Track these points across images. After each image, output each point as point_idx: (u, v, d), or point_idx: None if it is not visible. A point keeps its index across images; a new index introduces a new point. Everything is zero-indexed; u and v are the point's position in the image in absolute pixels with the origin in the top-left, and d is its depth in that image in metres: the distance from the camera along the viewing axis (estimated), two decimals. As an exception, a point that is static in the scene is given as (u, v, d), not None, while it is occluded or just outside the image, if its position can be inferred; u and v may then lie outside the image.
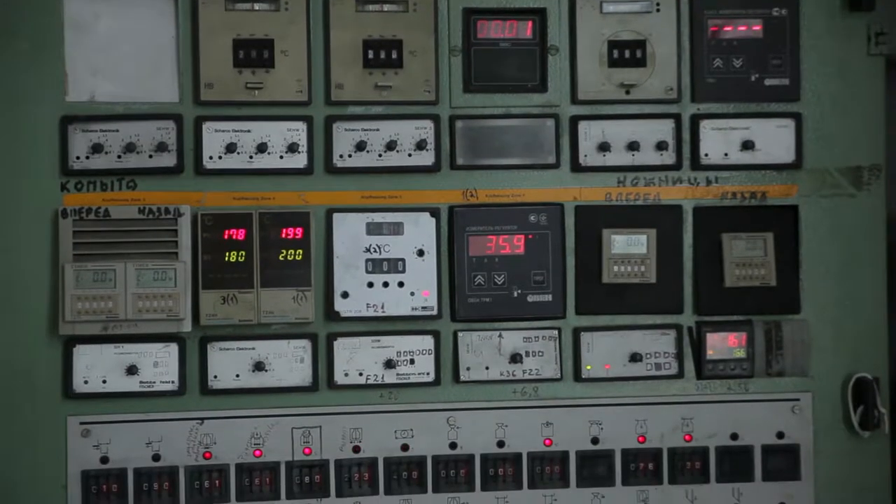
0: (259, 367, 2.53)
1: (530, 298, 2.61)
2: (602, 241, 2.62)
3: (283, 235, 2.53)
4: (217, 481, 2.53)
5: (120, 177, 2.51)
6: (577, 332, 2.62)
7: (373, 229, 2.58)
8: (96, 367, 2.49)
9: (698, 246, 2.64)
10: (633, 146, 2.62)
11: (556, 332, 2.62)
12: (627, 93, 2.63)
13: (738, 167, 2.65)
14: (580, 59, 2.61)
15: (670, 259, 2.63)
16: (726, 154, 2.64)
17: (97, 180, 2.51)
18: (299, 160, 2.55)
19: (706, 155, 2.64)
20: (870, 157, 2.67)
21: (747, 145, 2.63)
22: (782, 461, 2.65)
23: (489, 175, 2.61)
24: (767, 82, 2.64)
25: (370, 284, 2.57)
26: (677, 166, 2.64)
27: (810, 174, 2.66)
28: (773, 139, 2.65)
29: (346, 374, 2.56)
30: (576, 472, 2.62)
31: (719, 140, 2.64)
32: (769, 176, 2.66)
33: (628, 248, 2.62)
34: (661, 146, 2.63)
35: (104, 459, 2.50)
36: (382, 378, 2.57)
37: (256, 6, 2.53)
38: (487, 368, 2.60)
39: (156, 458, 2.51)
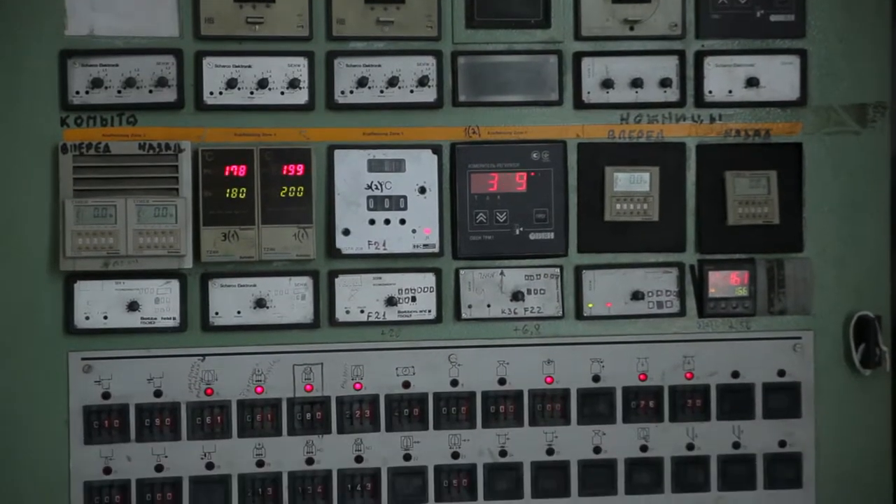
0: (260, 303, 2.53)
1: (532, 236, 2.60)
2: (604, 179, 2.60)
3: (285, 172, 2.52)
4: (219, 417, 2.54)
5: (120, 112, 2.50)
6: (578, 270, 2.62)
7: (374, 166, 2.56)
8: (97, 304, 2.49)
9: (701, 184, 2.63)
10: (636, 83, 2.60)
11: (557, 270, 2.61)
12: (631, 29, 2.60)
13: (742, 104, 2.63)
14: (584, -5, 2.60)
15: (673, 197, 2.62)
16: (730, 91, 2.62)
17: (97, 115, 2.49)
18: (300, 96, 2.53)
19: (710, 92, 2.62)
20: (875, 95, 2.65)
21: (752, 82, 2.61)
22: (783, 399, 2.65)
23: (491, 112, 2.59)
24: (773, 18, 2.62)
25: (371, 222, 2.56)
26: (681, 103, 2.62)
27: (815, 111, 2.64)
28: (778, 76, 2.63)
29: (348, 312, 2.56)
30: (577, 409, 2.62)
31: (723, 77, 2.62)
32: (773, 113, 2.64)
33: (631, 185, 2.61)
34: (664, 83, 2.61)
35: (106, 395, 2.50)
36: (384, 315, 2.57)
37: (257, -61, 2.51)
38: (489, 306, 2.60)
39: (157, 394, 2.52)
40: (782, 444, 2.65)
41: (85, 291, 2.48)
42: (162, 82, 2.48)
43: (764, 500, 2.65)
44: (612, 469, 2.62)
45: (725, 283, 2.63)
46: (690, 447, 2.63)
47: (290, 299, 2.55)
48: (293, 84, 2.52)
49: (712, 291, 2.63)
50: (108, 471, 2.50)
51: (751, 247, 2.64)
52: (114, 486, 2.50)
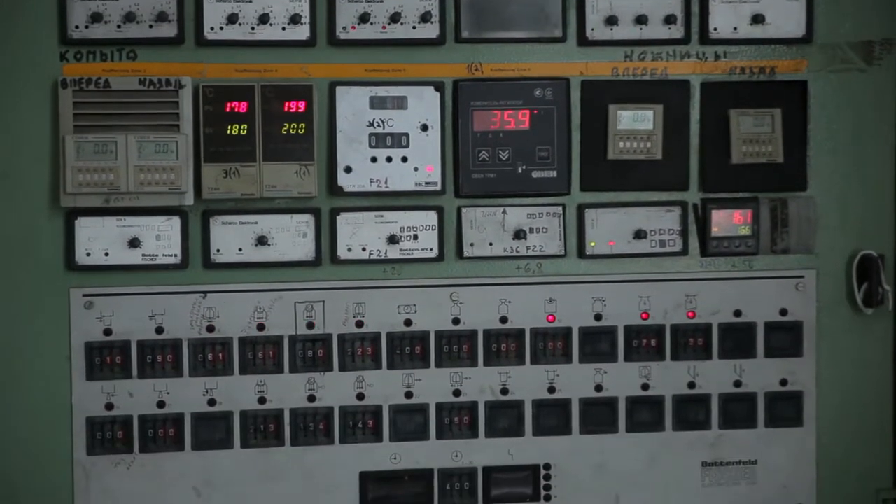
0: (262, 241, 2.52)
1: (535, 174, 2.59)
2: (608, 117, 2.59)
3: (286, 109, 2.50)
4: (220, 354, 2.54)
5: (120, 47, 2.48)
6: (581, 209, 2.61)
7: (376, 103, 2.55)
8: (98, 240, 2.48)
9: (705, 122, 2.62)
10: (640, 20, 2.58)
11: (560, 208, 2.60)
12: (636, -36, 2.58)
13: (748, 42, 2.61)
14: (588, -71, 2.57)
15: (677, 135, 2.61)
16: (735, 28, 2.60)
17: (97, 50, 2.47)
18: (302, 32, 2.51)
19: (715, 29, 2.59)
20: (881, 32, 2.63)
21: (757, 19, 2.59)
22: (785, 338, 2.65)
23: (494, 49, 2.57)
24: (779, -47, 2.60)
25: (373, 159, 2.55)
26: (685, 40, 2.60)
27: (820, 49, 2.62)
28: (784, 13, 2.60)
29: (349, 250, 2.56)
30: (578, 348, 2.62)
31: (729, 14, 2.59)
32: (779, 51, 2.62)
33: (634, 123, 2.59)
34: (669, 20, 2.58)
35: (107, 331, 2.50)
36: (385, 253, 2.57)
37: None
38: (491, 244, 2.59)
39: (159, 330, 2.52)
40: (783, 382, 2.65)
41: (86, 228, 2.48)
42: (162, 17, 2.46)
43: (764, 439, 2.65)
44: (614, 407, 2.63)
45: (728, 221, 2.62)
46: (692, 385, 2.64)
47: (292, 237, 2.54)
48: (294, 20, 2.50)
49: (715, 230, 2.62)
50: (110, 407, 2.51)
51: (754, 185, 2.63)
52: (116, 422, 2.51)
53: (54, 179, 2.46)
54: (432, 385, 2.59)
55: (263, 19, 2.49)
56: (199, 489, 2.53)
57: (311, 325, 2.56)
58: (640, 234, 2.61)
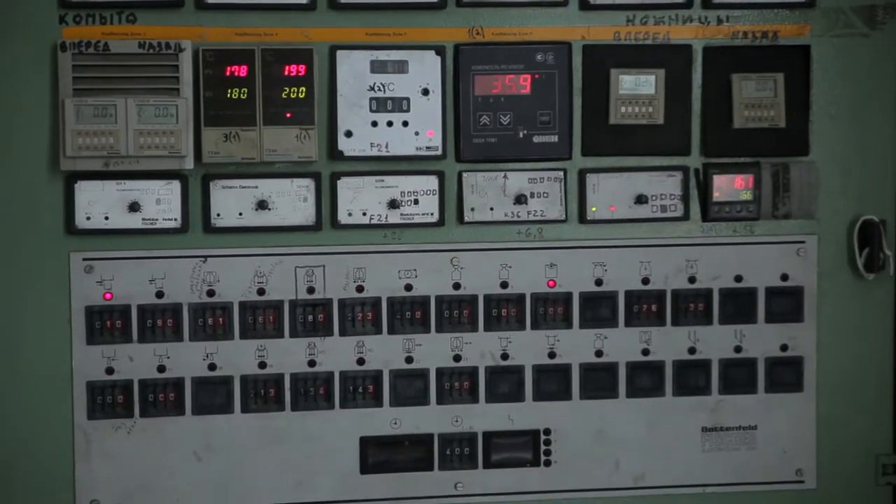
0: (262, 205, 2.52)
1: (536, 139, 2.58)
2: (610, 82, 2.57)
3: (286, 73, 2.49)
4: (221, 319, 2.53)
5: (119, 10, 2.46)
6: (582, 174, 2.60)
7: (377, 67, 2.53)
8: (98, 204, 2.47)
9: (707, 86, 2.60)
10: (643, -17, 2.57)
11: (561, 173, 2.59)
12: (638, -73, 2.57)
13: (750, 6, 2.59)
14: None
15: (678, 100, 2.60)
16: (738, -8, 2.59)
17: (96, 13, 2.45)
18: (302, -6, 2.50)
19: (717, -7, 2.59)
20: (885, -5, 2.63)
21: (760, -17, 2.58)
22: (786, 303, 2.65)
23: (496, 12, 2.56)
24: (782, -85, 2.58)
25: (374, 124, 2.53)
26: (687, 4, 2.58)
27: (823, 13, 2.61)
28: (787, -23, 2.60)
29: (350, 214, 2.55)
30: (579, 313, 2.62)
31: (731, -23, 2.59)
32: (781, 15, 2.61)
33: (636, 88, 2.58)
34: (671, -17, 2.58)
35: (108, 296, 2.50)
36: (386, 218, 2.56)
37: None
38: (492, 209, 2.58)
39: (159, 295, 2.51)
40: (784, 348, 2.65)
41: (86, 191, 2.47)
42: (161, -21, 2.45)
43: (764, 404, 2.66)
44: (614, 372, 2.63)
45: (730, 186, 2.61)
46: (692, 351, 2.64)
47: (292, 201, 2.53)
48: (295, -17, 2.49)
49: (716, 195, 2.61)
50: (110, 371, 2.50)
51: (756, 150, 2.62)
52: (116, 386, 2.51)
53: (54, 143, 2.45)
54: (433, 350, 2.59)
55: (263, -18, 2.48)
56: (200, 453, 2.53)
57: (311, 290, 2.55)
58: (641, 199, 2.60)
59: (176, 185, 2.49)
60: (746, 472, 2.66)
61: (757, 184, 2.61)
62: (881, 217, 2.64)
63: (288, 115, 2.48)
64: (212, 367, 2.53)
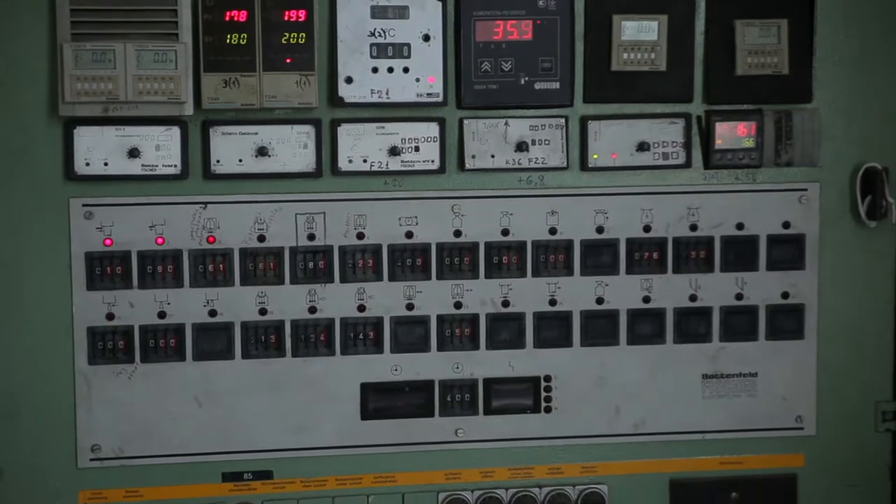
0: (262, 152, 2.51)
1: (537, 86, 2.56)
2: (612, 28, 2.55)
3: (286, 18, 2.47)
4: (221, 265, 2.53)
5: (117, -46, 2.45)
6: (584, 121, 2.58)
7: (377, 13, 2.51)
8: (97, 150, 2.47)
9: (710, 33, 2.58)
10: (646, -72, 2.54)
11: (563, 120, 2.58)
12: None
13: (754, -49, 2.57)
14: None
15: (681, 46, 2.58)
16: (742, -64, 2.57)
17: (94, -43, 2.45)
18: (301, -61, 2.48)
19: (721, -63, 2.56)
20: (889, -60, 2.60)
21: (764, -73, 2.56)
22: (787, 251, 2.64)
23: (497, -43, 2.54)
24: None
25: (375, 70, 2.52)
26: (691, -51, 2.57)
27: (827, -42, 2.59)
28: (791, -79, 2.57)
29: (351, 161, 2.54)
30: (580, 260, 2.61)
31: (735, -79, 2.56)
32: (785, -40, 2.59)
33: (639, 34, 2.56)
34: (674, -72, 2.55)
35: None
36: (387, 165, 2.55)
37: None
38: (493, 156, 2.57)
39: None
40: (785, 295, 2.65)
41: (85, 137, 2.46)
42: (160, -77, 2.43)
43: (765, 351, 2.66)
44: (615, 320, 2.63)
45: (732, 134, 2.60)
46: (693, 298, 2.63)
47: (292, 148, 2.52)
48: (294, -73, 2.47)
49: (719, 142, 2.60)
50: (111, 317, 2.51)
51: (759, 97, 2.60)
52: (117, 332, 2.51)
53: (52, 88, 2.44)
54: (433, 297, 2.59)
55: (262, -75, 2.46)
56: (200, 399, 2.54)
57: (311, 237, 2.55)
58: (643, 147, 2.59)
59: (175, 132, 2.48)
60: (746, 419, 2.67)
61: (759, 131, 2.60)
62: (884, 164, 2.63)
63: (288, 60, 2.47)
64: (212, 313, 2.53)
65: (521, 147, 2.57)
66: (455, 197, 2.58)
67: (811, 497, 2.70)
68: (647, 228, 2.62)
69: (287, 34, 2.47)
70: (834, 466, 2.71)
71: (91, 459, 2.52)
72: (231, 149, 2.51)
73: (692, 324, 2.64)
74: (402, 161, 2.55)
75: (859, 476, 2.71)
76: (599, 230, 2.61)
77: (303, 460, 2.59)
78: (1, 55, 2.43)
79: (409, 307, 2.59)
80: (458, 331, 2.61)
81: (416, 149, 2.55)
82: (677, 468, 2.68)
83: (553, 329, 2.62)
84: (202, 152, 2.50)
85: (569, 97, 2.57)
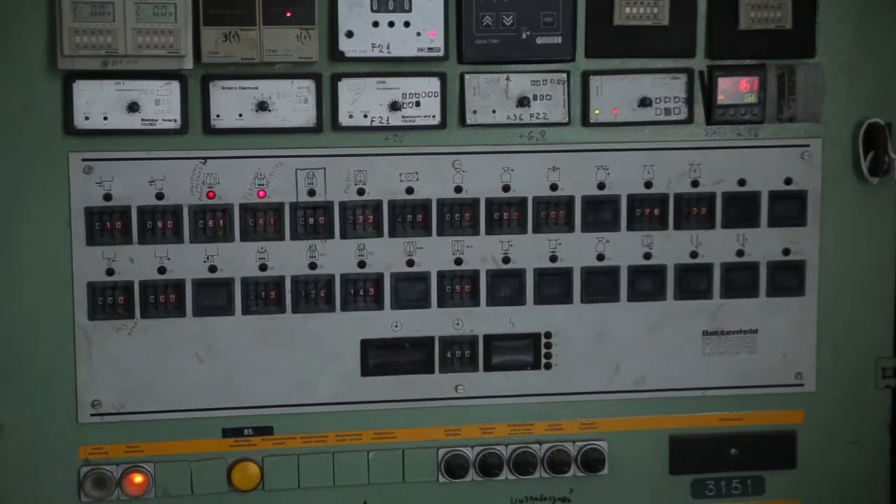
0: (262, 107, 2.49)
1: (539, 40, 2.54)
2: (614, -19, 2.54)
3: (286, -29, 2.46)
4: (221, 220, 2.52)
5: None
6: (586, 76, 2.57)
7: (378, -34, 2.50)
8: (97, 104, 2.45)
9: (713, -14, 2.57)
10: None
11: (564, 75, 2.56)
12: None
13: None
14: None
15: (684, 1, 2.55)
16: None
17: None
18: None
19: None
20: None
21: None
22: (789, 207, 2.64)
23: None
24: None
25: (375, 24, 2.50)
26: None
27: None
28: None
29: (351, 116, 2.53)
30: (581, 217, 2.61)
31: None
32: (790, -87, 2.57)
33: (641, -12, 2.55)
34: None
35: (107, 196, 2.48)
36: (387, 120, 2.53)
37: None
38: (494, 112, 2.56)
39: (159, 196, 2.50)
40: (786, 252, 2.65)
41: (84, 91, 2.44)
42: None
43: (766, 308, 2.66)
44: (615, 276, 2.62)
45: (734, 89, 2.59)
46: (694, 255, 2.63)
47: (293, 102, 2.51)
48: None
49: (721, 98, 2.59)
50: (110, 272, 2.50)
51: (762, 52, 2.58)
52: (117, 288, 2.50)
53: (51, 42, 2.41)
54: (434, 253, 2.58)
55: None
56: (201, 355, 2.54)
57: (312, 193, 2.54)
58: (645, 102, 2.58)
59: (175, 86, 2.47)
60: (746, 376, 2.67)
61: (762, 86, 2.59)
62: (887, 120, 2.62)
63: (288, 14, 2.45)
64: (212, 269, 2.52)
65: (523, 102, 2.56)
66: (456, 153, 2.57)
67: (810, 453, 2.71)
68: (648, 184, 2.61)
69: (287, -13, 2.46)
70: (833, 423, 2.71)
71: (91, 415, 2.52)
72: (231, 103, 2.49)
73: (693, 280, 2.64)
74: (403, 116, 2.54)
75: (859, 432, 2.72)
76: (600, 186, 2.60)
77: (303, 416, 2.59)
78: (-1, 8, 2.42)
79: (410, 263, 2.58)
80: (459, 287, 2.60)
81: (417, 104, 2.54)
82: (677, 425, 2.68)
83: (553, 285, 2.62)
84: (202, 107, 2.48)
85: (570, 52, 2.56)
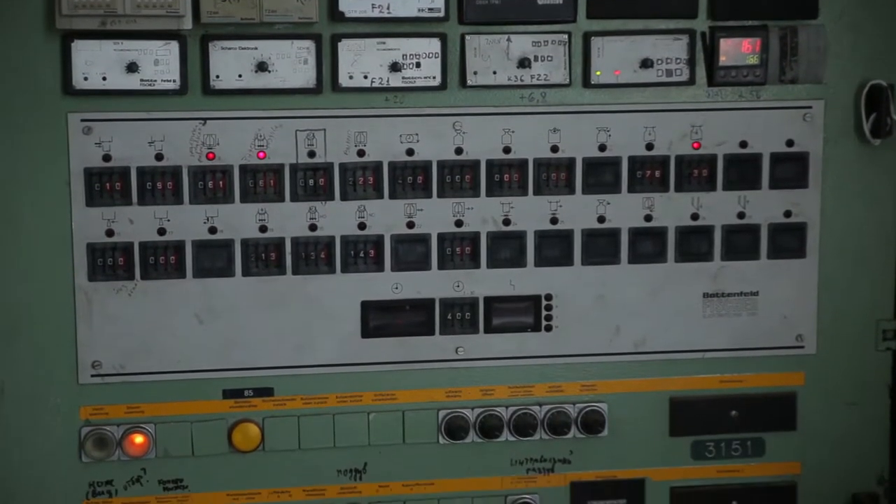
0: (262, 67, 2.48)
1: (540, 1, 2.53)
2: (616, -59, 2.53)
3: (285, -70, 2.44)
4: (221, 182, 2.52)
5: None
6: (587, 37, 2.55)
7: (379, -75, 2.48)
8: (96, 64, 2.44)
9: (715, -53, 2.56)
10: None
11: (565, 36, 2.55)
12: None
13: None
14: None
15: (686, -40, 2.55)
16: None
17: None
18: None
19: None
20: None
21: None
22: (790, 169, 2.63)
23: None
24: None
25: (375, -16, 2.49)
26: None
27: None
28: None
29: (351, 77, 2.51)
30: (581, 179, 2.60)
31: None
32: None
33: (643, -52, 2.53)
34: None
35: (106, 157, 2.47)
36: (388, 81, 2.52)
37: None
38: (495, 73, 2.55)
39: (158, 157, 2.49)
40: (787, 214, 2.64)
41: (83, 51, 2.43)
42: None
43: (767, 270, 2.65)
44: (616, 238, 2.62)
45: (737, 50, 2.57)
46: (695, 217, 2.62)
47: (293, 63, 2.49)
48: None
49: (723, 59, 2.57)
50: (110, 233, 2.49)
51: (764, 13, 2.57)
52: (117, 248, 2.50)
53: (49, 1, 2.40)
54: (434, 215, 2.58)
55: None
56: (201, 316, 2.54)
57: (312, 154, 2.53)
58: (646, 63, 2.57)
59: (174, 46, 2.45)
60: (747, 338, 2.67)
61: (764, 48, 2.57)
62: (889, 81, 2.60)
63: (288, -26, 2.44)
64: (212, 230, 2.52)
65: (524, 63, 2.54)
66: (456, 114, 2.56)
67: (810, 415, 2.72)
68: (649, 146, 2.60)
69: (287, -53, 2.44)
70: (834, 385, 2.71)
71: (92, 376, 2.52)
72: (230, 64, 2.48)
73: (693, 242, 2.64)
74: (403, 77, 2.52)
75: (859, 395, 2.72)
76: (601, 148, 2.60)
77: (303, 378, 2.59)
78: (-4, -33, 2.40)
79: (410, 225, 2.57)
80: (459, 249, 2.60)
81: (418, 65, 2.53)
82: (677, 387, 2.68)
83: (554, 248, 2.61)
84: (201, 67, 2.47)
85: (572, 13, 2.54)
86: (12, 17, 2.41)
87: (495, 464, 2.66)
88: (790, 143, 2.62)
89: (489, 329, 2.62)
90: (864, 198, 2.65)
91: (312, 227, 2.55)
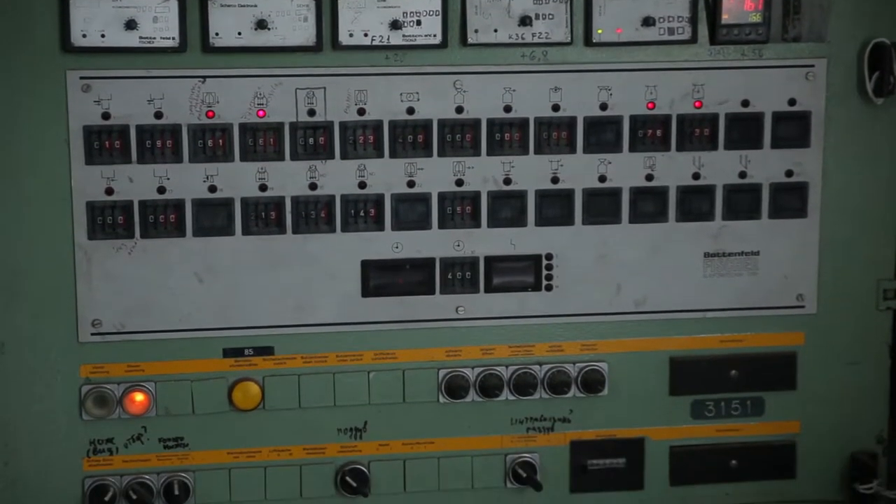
0: (261, 25, 2.46)
1: (542, -42, 2.52)
2: None
3: None
4: (220, 140, 2.51)
5: None
6: (589, -5, 2.55)
7: None
8: (94, 21, 2.42)
9: None
10: None
11: (567, -7, 2.54)
12: None
13: None
14: None
15: (689, -82, 2.53)
16: None
17: None
18: None
19: None
20: None
21: None
22: (793, 128, 2.62)
23: None
24: None
25: (376, -60, 2.48)
26: None
27: None
28: None
29: (351, 35, 2.50)
30: (583, 138, 2.59)
31: None
32: None
33: None
34: None
35: (105, 115, 2.46)
36: (388, 39, 2.51)
37: None
38: (496, 31, 2.53)
39: (158, 115, 2.48)
40: (789, 173, 2.63)
41: (81, 8, 2.41)
42: None
43: (768, 229, 2.65)
44: (617, 197, 2.61)
45: (739, 8, 2.56)
46: (696, 176, 2.62)
47: (292, 21, 2.48)
48: None
49: (725, 17, 2.56)
50: (110, 191, 2.49)
51: (767, -30, 2.56)
52: (116, 207, 2.49)
53: (46, -43, 2.40)
54: (434, 174, 2.57)
55: None
56: (201, 275, 2.53)
57: (312, 112, 2.52)
58: (648, 22, 2.55)
59: (173, 3, 2.44)
60: (747, 298, 2.67)
61: (767, 5, 2.56)
62: (893, 40, 2.59)
63: (287, -70, 2.42)
64: (212, 189, 2.51)
65: (525, 21, 2.53)
66: (457, 73, 2.55)
67: (811, 375, 2.72)
68: (651, 105, 2.58)
69: None
70: (834, 345, 2.71)
71: (92, 334, 2.52)
72: (230, 21, 2.46)
73: (695, 202, 2.63)
74: (404, 35, 2.51)
75: (859, 354, 2.72)
76: (603, 107, 2.58)
77: (303, 337, 2.59)
78: (-8, -77, 2.38)
79: (410, 184, 2.57)
80: (460, 208, 2.59)
81: (418, 23, 2.51)
82: (677, 346, 2.68)
83: (555, 207, 2.61)
84: (200, 25, 2.46)
85: (573, -30, 2.53)
86: (9, -26, 2.40)
87: (495, 423, 2.67)
88: (792, 102, 2.61)
89: (489, 288, 2.62)
90: (867, 157, 2.64)
91: (312, 186, 2.54)
